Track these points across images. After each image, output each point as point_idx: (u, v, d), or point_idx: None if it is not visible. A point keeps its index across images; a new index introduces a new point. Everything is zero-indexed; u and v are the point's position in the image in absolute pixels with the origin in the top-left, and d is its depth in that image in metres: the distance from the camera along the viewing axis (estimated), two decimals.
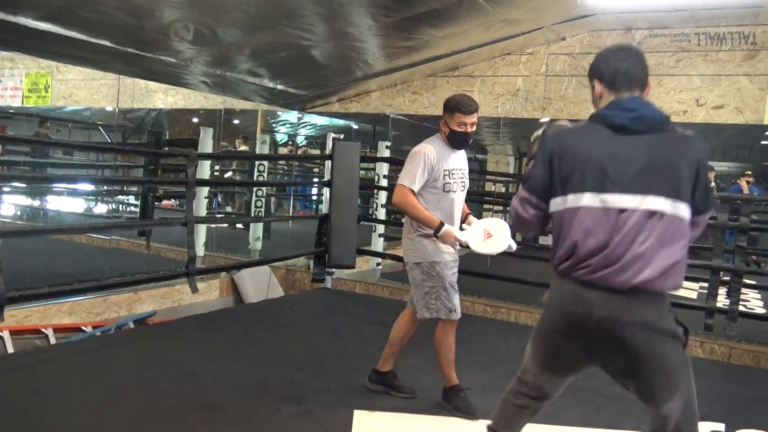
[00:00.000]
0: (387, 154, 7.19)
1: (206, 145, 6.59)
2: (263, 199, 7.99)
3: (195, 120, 9.51)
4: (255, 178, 7.82)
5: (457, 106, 3.23)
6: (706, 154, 1.94)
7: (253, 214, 7.90)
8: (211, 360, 3.91)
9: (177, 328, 4.63)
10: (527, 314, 5.69)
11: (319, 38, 5.30)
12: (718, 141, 9.75)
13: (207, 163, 6.63)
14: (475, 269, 5.98)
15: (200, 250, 6.07)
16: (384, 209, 7.28)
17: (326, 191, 6.30)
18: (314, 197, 11.65)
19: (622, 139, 1.91)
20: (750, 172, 8.64)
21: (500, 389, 3.61)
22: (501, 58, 6.37)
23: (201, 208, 6.14)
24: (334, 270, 6.32)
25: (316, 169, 10.74)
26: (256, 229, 7.57)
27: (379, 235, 7.09)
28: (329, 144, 6.35)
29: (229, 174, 10.14)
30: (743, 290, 5.00)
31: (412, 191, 3.21)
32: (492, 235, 3.09)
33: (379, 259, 7.08)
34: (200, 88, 6.67)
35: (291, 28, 4.94)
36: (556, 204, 1.99)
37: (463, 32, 5.57)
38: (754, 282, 6.01)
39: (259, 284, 6.36)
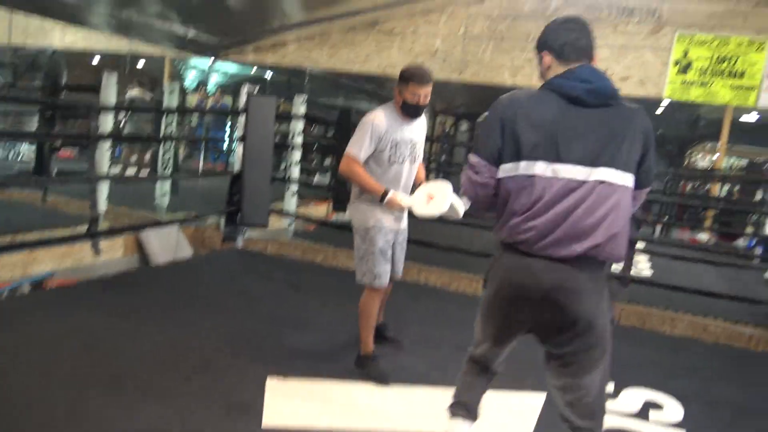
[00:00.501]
0: (303, 109, 7.03)
1: (110, 92, 6.16)
2: (171, 152, 7.63)
3: (95, 63, 8.88)
4: (163, 130, 7.43)
5: (411, 76, 3.17)
6: (651, 130, 1.99)
7: (160, 167, 7.54)
8: (115, 327, 3.75)
9: (78, 294, 4.39)
10: (437, 275, 5.81)
11: None
12: None
13: (110, 114, 6.22)
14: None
15: (102, 204, 5.75)
16: (298, 167, 7.14)
17: (239, 147, 6.11)
18: (219, 147, 11.29)
19: (575, 110, 1.94)
20: None
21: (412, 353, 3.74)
22: (421, 16, 6.31)
23: (104, 161, 5.78)
24: (245, 229, 6.19)
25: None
26: (163, 184, 7.24)
27: (293, 194, 6.98)
28: (243, 97, 6.13)
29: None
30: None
31: (359, 160, 3.20)
32: (433, 197, 3.02)
33: (292, 218, 7.00)
34: (103, 28, 6.20)
35: None
36: (506, 170, 1.99)
37: None
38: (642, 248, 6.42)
39: (167, 243, 6.13)
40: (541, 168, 1.92)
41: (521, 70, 5.95)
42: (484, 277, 2.15)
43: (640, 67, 5.61)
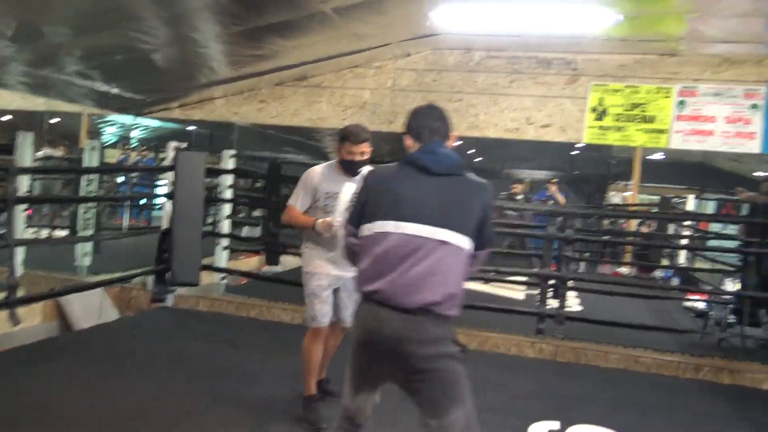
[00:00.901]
0: (232, 163, 6.94)
1: (25, 152, 5.89)
2: (92, 211, 7.32)
3: (7, 120, 8.48)
4: (83, 188, 7.13)
5: (346, 135, 3.37)
6: (492, 200, 2.33)
7: (80, 227, 7.19)
8: (37, 403, 3.48)
9: None
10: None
11: (160, 42, 4.98)
12: (542, 153, 10.76)
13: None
14: None
15: (19, 269, 5.40)
16: (228, 221, 6.99)
17: (167, 204, 5.94)
18: (145, 203, 10.93)
19: (425, 178, 2.23)
20: (556, 180, 9.71)
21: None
22: (349, 71, 6.44)
23: (21, 225, 5.47)
24: (175, 287, 5.97)
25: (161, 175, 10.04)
26: (84, 244, 6.91)
27: (224, 248, 6.82)
28: (170, 153, 6.00)
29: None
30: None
31: (296, 208, 3.49)
32: None
33: (224, 274, 6.81)
34: (18, 88, 5.96)
35: (130, 30, 4.58)
36: (365, 230, 2.27)
37: (312, 44, 5.55)
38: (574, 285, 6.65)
39: (90, 306, 5.80)
40: (391, 227, 2.19)
41: None
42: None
43: (560, 115, 5.92)
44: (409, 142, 2.35)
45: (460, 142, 9.46)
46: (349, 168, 3.40)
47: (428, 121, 2.34)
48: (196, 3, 4.28)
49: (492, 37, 5.80)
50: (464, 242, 2.18)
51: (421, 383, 2.16)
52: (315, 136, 10.55)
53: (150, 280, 6.09)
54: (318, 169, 3.48)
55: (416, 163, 2.25)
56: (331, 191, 3.43)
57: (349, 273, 3.46)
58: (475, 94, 6.12)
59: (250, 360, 4.54)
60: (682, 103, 5.67)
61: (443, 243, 2.15)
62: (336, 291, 3.55)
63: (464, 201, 2.22)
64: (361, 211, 2.29)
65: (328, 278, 3.49)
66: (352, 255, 2.38)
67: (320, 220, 3.37)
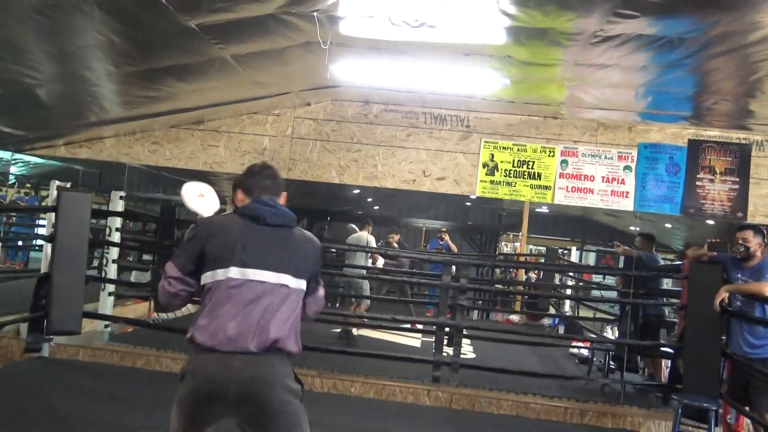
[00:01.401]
0: (121, 205, 6.63)
1: None
2: None
3: None
4: None
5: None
6: (320, 249, 2.57)
7: None
8: None
9: None
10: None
11: (46, 77, 4.72)
12: (439, 203, 11.10)
13: None
14: None
15: None
16: (115, 266, 6.63)
17: (47, 247, 5.55)
18: (21, 244, 10.15)
19: (261, 228, 2.41)
20: (445, 229, 10.18)
21: None
22: (248, 117, 6.41)
23: None
24: (52, 336, 5.54)
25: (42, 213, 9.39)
26: None
27: (109, 294, 6.43)
28: (53, 193, 5.64)
29: None
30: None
31: None
32: (204, 197, 3.08)
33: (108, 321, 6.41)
34: None
35: (12, 63, 4.31)
36: (207, 277, 2.35)
37: (211, 88, 5.48)
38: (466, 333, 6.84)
39: None
40: (233, 273, 2.32)
41: (347, 169, 6.24)
42: (181, 373, 2.36)
43: (454, 169, 6.17)
44: (240, 197, 2.56)
45: (357, 191, 9.60)
46: None
47: (260, 179, 2.56)
48: (87, 41, 4.11)
49: (390, 92, 5.98)
50: (302, 285, 2.44)
51: (269, 419, 2.28)
52: (212, 180, 10.30)
53: (24, 328, 5.61)
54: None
55: (253, 213, 2.42)
56: None
57: None
58: (373, 146, 6.26)
59: (134, 414, 4.26)
60: (564, 162, 6.09)
61: (286, 287, 2.36)
62: None
63: (301, 249, 2.45)
64: (197, 260, 2.37)
65: None
66: (174, 299, 2.42)
67: None
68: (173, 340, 5.67)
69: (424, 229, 14.04)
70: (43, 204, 8.59)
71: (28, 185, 11.34)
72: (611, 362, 6.53)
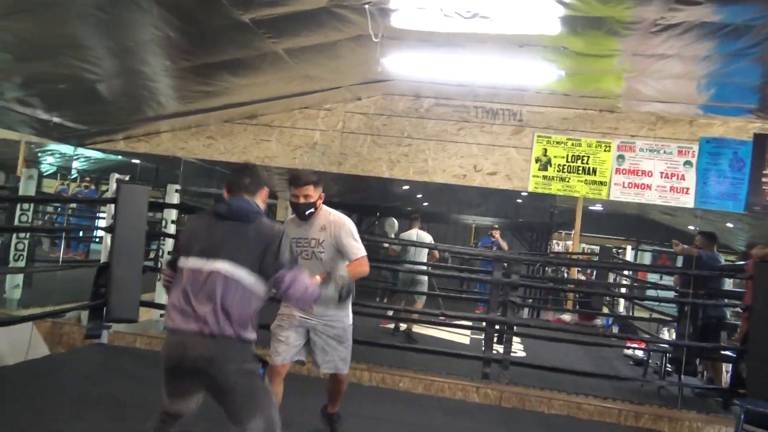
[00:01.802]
0: (176, 198, 6.80)
1: None
2: (25, 242, 7.01)
3: None
4: (18, 218, 6.84)
5: (290, 180, 3.51)
6: (277, 239, 2.68)
7: (12, 258, 6.87)
8: None
9: None
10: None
11: (106, 73, 4.87)
12: (489, 200, 10.97)
13: None
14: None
15: None
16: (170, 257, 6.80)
17: (107, 237, 5.74)
18: (82, 235, 10.54)
19: (220, 222, 2.69)
20: (496, 226, 10.05)
21: None
22: (300, 111, 6.45)
23: None
24: (111, 324, 5.72)
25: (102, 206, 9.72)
26: (14, 276, 6.60)
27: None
28: (112, 185, 5.83)
29: None
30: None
31: None
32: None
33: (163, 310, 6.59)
34: None
35: (75, 59, 4.46)
36: (180, 264, 2.68)
37: (263, 83, 5.54)
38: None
39: (17, 342, 5.48)
40: (191, 262, 2.61)
41: (398, 164, 6.21)
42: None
43: (506, 164, 6.06)
44: (225, 195, 2.81)
45: (406, 187, 9.56)
46: (295, 211, 3.51)
47: (238, 178, 2.80)
48: (145, 36, 4.22)
49: (441, 86, 5.92)
50: (244, 273, 2.58)
51: (225, 395, 2.55)
52: (264, 174, 10.47)
53: (85, 315, 5.82)
54: (289, 218, 3.73)
55: (214, 210, 2.74)
56: (294, 237, 3.52)
57: (318, 318, 3.55)
58: (424, 140, 6.22)
59: None
60: (621, 157, 5.91)
61: (228, 274, 2.55)
62: (309, 334, 3.59)
63: (247, 239, 2.64)
64: (177, 251, 2.75)
65: (290, 320, 3.55)
66: (167, 290, 2.85)
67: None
68: None
69: (473, 226, 13.91)
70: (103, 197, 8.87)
71: (88, 179, 11.78)
72: (668, 365, 6.31)
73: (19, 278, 6.61)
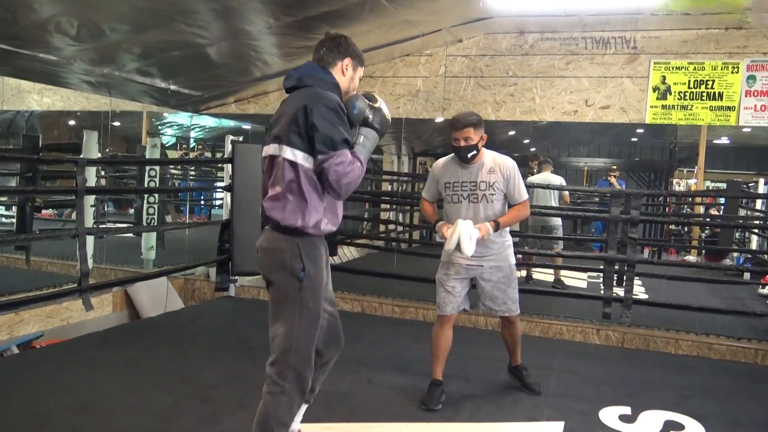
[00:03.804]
0: None
1: (91, 149, 6.12)
2: (155, 206, 7.56)
3: (73, 123, 8.81)
4: (146, 184, 7.37)
5: (449, 124, 3.48)
6: (319, 104, 2.19)
7: (145, 222, 7.44)
8: (112, 384, 3.60)
9: (69, 350, 4.23)
10: (435, 311, 5.74)
11: (214, 36, 5.06)
12: (601, 139, 10.46)
13: (93, 170, 6.15)
14: (382, 268, 6.06)
15: (89, 260, 5.63)
16: None
17: (227, 196, 6.05)
18: (204, 201, 11.19)
19: (287, 98, 2.36)
20: (615, 167, 9.41)
21: (421, 389, 3.66)
22: (400, 59, 6.41)
23: (89, 217, 5.68)
24: (237, 277, 6.08)
25: (218, 173, 10.26)
26: (149, 238, 7.14)
27: None
28: (228, 147, 6.11)
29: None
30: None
31: (425, 198, 3.74)
32: (471, 239, 3.28)
33: None
34: (82, 88, 6.19)
35: (185, 25, 4.68)
36: None
37: (364, 33, 5.53)
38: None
39: (157, 296, 5.98)
40: (263, 150, 2.37)
41: (503, 105, 6.04)
42: None
43: (620, 96, 5.72)
44: None
45: (512, 132, 9.28)
46: (459, 154, 3.46)
47: (317, 47, 2.43)
48: None
49: (546, 18, 5.65)
50: (289, 153, 2.20)
51: (268, 288, 2.35)
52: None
53: (212, 272, 6.22)
54: (440, 161, 3.63)
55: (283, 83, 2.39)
56: (449, 181, 3.53)
57: (485, 263, 3.52)
58: (530, 78, 5.99)
59: None
60: (751, 78, 5.40)
61: (276, 157, 2.24)
62: (475, 281, 3.57)
63: (289, 111, 2.23)
64: None
65: (455, 267, 3.53)
66: None
67: (440, 224, 3.50)
68: (341, 281, 5.95)
69: (586, 168, 13.33)
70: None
71: (201, 147, 12.44)
72: None
73: (153, 240, 7.14)
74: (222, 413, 3.24)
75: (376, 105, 2.37)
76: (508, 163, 3.50)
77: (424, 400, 3.50)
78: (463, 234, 3.24)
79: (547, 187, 6.66)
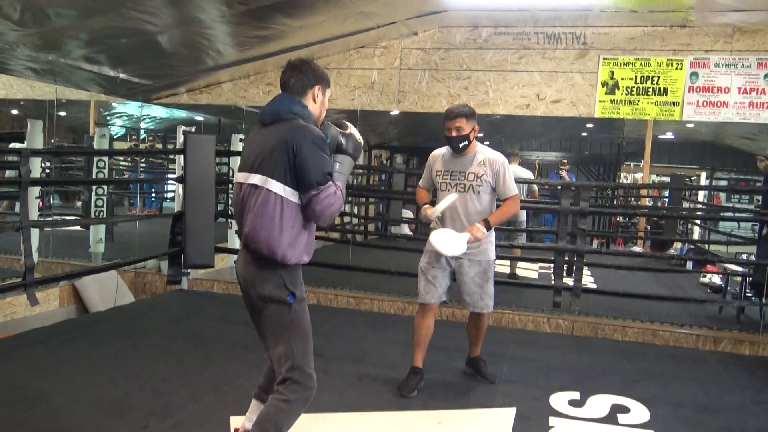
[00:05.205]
0: (240, 146, 6.92)
1: (35, 139, 5.90)
2: (104, 198, 7.35)
3: (16, 112, 8.48)
4: (94, 176, 7.16)
5: (444, 114, 3.59)
6: (306, 140, 2.24)
7: (93, 215, 7.23)
8: (59, 379, 3.51)
9: (14, 346, 4.09)
10: (390, 303, 5.80)
11: (165, 24, 4.94)
12: (552, 133, 10.67)
13: (38, 161, 5.94)
14: (338, 260, 6.06)
15: (34, 254, 5.43)
16: None
17: (179, 188, 5.94)
18: (155, 194, 10.96)
19: (260, 130, 2.36)
20: (566, 161, 9.63)
21: (376, 378, 3.69)
22: (356, 51, 6.39)
23: (34, 210, 5.49)
24: (189, 270, 5.99)
25: (170, 165, 10.04)
26: (98, 231, 6.95)
27: (236, 231, 6.82)
28: (180, 137, 6.00)
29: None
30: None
31: (420, 187, 3.85)
32: (452, 241, 3.42)
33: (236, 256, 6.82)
34: (26, 75, 5.96)
35: (135, 11, 4.54)
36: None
37: (319, 23, 5.50)
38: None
39: (106, 291, 5.84)
40: (237, 177, 2.39)
41: (458, 98, 6.09)
42: None
43: (571, 90, 5.85)
44: None
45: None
46: (450, 144, 3.60)
47: (283, 76, 2.42)
48: None
49: (499, 13, 5.71)
50: (276, 187, 2.23)
51: (258, 318, 2.38)
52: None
53: (164, 265, 6.11)
54: (436, 151, 3.77)
55: (258, 117, 2.41)
56: (440, 170, 3.66)
57: (465, 256, 3.57)
58: (484, 71, 6.06)
59: None
60: (694, 74, 5.59)
61: (257, 187, 2.26)
62: (456, 273, 3.64)
63: (273, 145, 2.24)
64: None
65: (438, 257, 3.60)
66: None
67: (424, 207, 3.64)
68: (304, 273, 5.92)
69: (537, 162, 13.60)
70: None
71: (152, 138, 12.15)
72: (748, 290, 6.08)
73: (102, 233, 6.95)
74: (174, 407, 3.19)
75: (348, 131, 2.41)
76: (498, 159, 3.60)
77: (399, 386, 3.59)
78: (443, 237, 3.44)
79: (518, 181, 6.74)
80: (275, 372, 2.37)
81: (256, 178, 2.26)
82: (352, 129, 2.43)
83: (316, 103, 2.43)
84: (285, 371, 2.30)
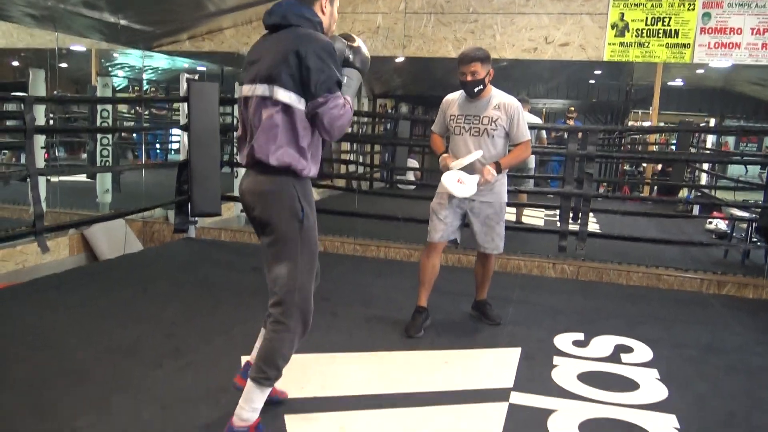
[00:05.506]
0: None
1: (38, 88, 5.86)
2: (109, 148, 7.34)
3: (16, 63, 8.38)
4: (99, 125, 7.13)
5: (458, 58, 3.53)
6: (315, 47, 2.12)
7: (99, 165, 7.24)
8: (71, 323, 3.57)
9: (26, 292, 4.15)
10: (396, 249, 5.83)
11: None
12: (560, 78, 10.51)
13: (42, 109, 5.91)
14: (344, 209, 6.08)
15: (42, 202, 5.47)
16: None
17: (183, 136, 5.91)
18: (159, 146, 10.94)
19: (267, 36, 2.26)
20: (573, 108, 9.52)
21: (383, 321, 3.75)
22: None
23: (39, 159, 5.49)
24: (197, 219, 6.02)
25: (174, 116, 9.99)
26: (104, 181, 6.96)
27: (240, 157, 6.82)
28: (183, 85, 5.92)
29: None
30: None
31: (434, 131, 3.84)
32: (463, 183, 3.43)
33: None
34: (25, 21, 5.87)
35: None
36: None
37: None
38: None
39: (114, 239, 5.89)
40: (243, 90, 2.25)
41: (464, 42, 5.99)
42: None
43: (579, 33, 5.73)
44: None
45: None
46: (466, 89, 3.56)
47: None
48: None
49: None
50: (284, 95, 2.13)
51: (262, 233, 2.28)
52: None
53: (171, 214, 6.13)
54: (449, 95, 3.73)
55: (263, 20, 2.25)
56: (454, 114, 3.63)
57: (477, 197, 3.59)
58: (491, 14, 5.93)
59: None
60: (706, 15, 5.46)
61: (264, 99, 2.15)
62: (467, 215, 3.66)
63: (280, 51, 2.13)
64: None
65: (450, 198, 3.61)
66: None
67: (443, 155, 3.64)
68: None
69: (544, 110, 13.44)
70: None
71: (154, 89, 12.05)
72: (754, 235, 6.08)
73: (108, 183, 6.97)
74: (185, 348, 3.26)
75: (355, 45, 2.33)
76: (513, 103, 3.57)
77: (406, 327, 3.64)
78: (454, 178, 3.44)
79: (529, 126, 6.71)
80: (270, 292, 2.29)
81: (262, 88, 2.16)
82: (359, 42, 2.35)
83: (325, 14, 2.31)
84: (283, 293, 2.24)
